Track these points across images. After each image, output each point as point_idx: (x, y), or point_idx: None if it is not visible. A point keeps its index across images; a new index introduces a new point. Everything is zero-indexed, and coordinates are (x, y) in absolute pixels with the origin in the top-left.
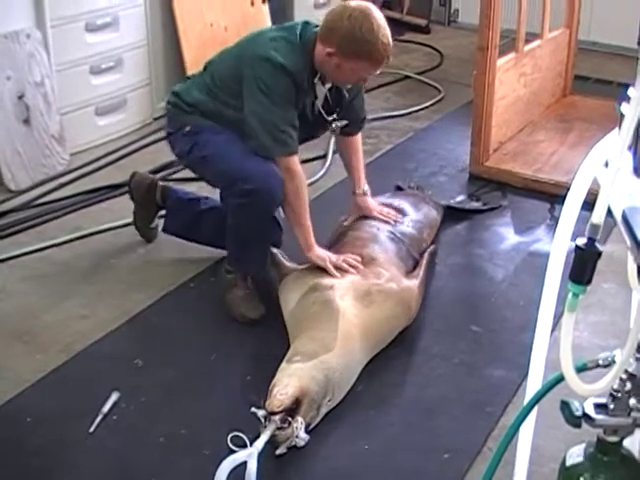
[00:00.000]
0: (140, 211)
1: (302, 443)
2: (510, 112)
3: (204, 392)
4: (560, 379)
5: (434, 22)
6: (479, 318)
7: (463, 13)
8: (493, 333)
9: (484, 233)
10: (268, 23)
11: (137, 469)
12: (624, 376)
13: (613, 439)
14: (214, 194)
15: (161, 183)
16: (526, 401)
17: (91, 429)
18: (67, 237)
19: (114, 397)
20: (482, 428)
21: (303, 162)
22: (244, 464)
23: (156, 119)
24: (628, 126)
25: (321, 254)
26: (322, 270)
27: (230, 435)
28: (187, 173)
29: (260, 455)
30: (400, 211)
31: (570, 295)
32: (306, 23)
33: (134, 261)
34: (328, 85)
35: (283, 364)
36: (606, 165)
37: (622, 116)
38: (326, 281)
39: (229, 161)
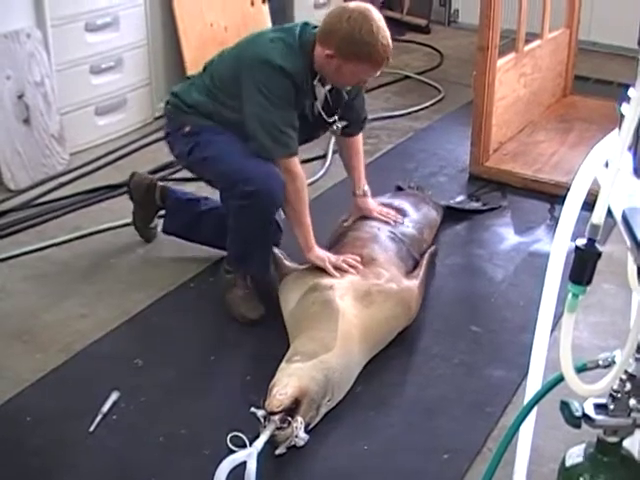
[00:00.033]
0: (139, 211)
1: (302, 443)
2: (510, 112)
3: (204, 392)
4: (560, 379)
5: (434, 22)
6: (479, 318)
7: (463, 13)
8: (493, 333)
9: (484, 233)
10: (268, 23)
11: (137, 469)
12: (624, 377)
13: (613, 439)
14: (214, 194)
15: (160, 183)
16: (526, 401)
17: (91, 429)
18: (67, 237)
19: (114, 397)
20: (482, 428)
21: (303, 162)
22: (244, 464)
23: (156, 119)
24: (628, 126)
25: (320, 254)
26: (322, 270)
27: (230, 435)
28: (186, 173)
29: (260, 455)
30: (400, 211)
31: (570, 295)
32: (305, 24)
33: (134, 261)
34: (328, 87)
35: (283, 364)
36: (606, 165)
37: (622, 116)
38: (326, 281)
39: (229, 162)
